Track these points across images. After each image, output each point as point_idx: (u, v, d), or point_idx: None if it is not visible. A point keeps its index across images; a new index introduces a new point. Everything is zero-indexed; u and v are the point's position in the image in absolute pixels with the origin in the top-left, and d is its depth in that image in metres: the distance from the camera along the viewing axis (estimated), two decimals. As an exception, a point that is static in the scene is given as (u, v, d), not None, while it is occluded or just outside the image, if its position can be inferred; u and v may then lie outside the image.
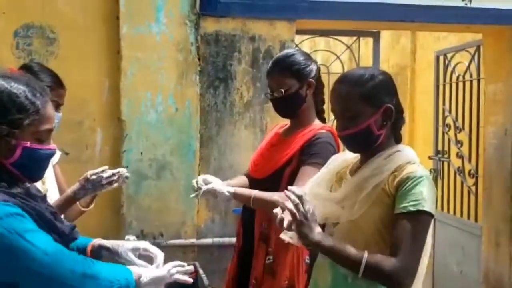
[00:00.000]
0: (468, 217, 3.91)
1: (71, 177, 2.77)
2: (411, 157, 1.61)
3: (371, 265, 1.48)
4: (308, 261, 2.14)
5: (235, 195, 2.14)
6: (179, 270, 1.45)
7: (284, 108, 2.23)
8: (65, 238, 1.33)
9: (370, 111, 1.57)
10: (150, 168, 2.89)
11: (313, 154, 2.10)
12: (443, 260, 4.13)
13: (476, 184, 3.85)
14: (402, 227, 1.49)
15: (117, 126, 2.88)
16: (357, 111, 1.58)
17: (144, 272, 1.36)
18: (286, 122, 2.34)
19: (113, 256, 1.47)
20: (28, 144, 1.24)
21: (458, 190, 4.04)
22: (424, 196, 1.49)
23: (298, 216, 1.51)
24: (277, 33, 3.06)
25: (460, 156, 3.99)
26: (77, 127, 2.82)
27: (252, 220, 2.22)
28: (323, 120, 2.31)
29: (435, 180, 4.26)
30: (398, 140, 1.69)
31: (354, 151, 1.71)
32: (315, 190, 1.73)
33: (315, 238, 1.52)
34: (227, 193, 2.13)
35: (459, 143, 4.01)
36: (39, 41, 2.81)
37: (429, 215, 1.50)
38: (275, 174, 2.17)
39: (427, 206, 1.49)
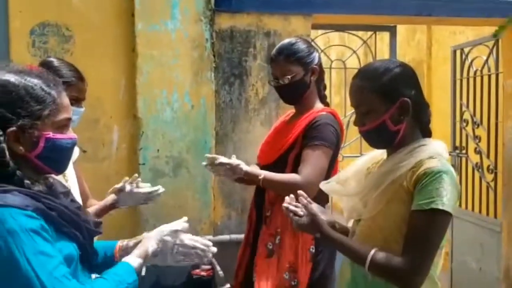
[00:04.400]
0: (487, 213, 3.86)
1: (89, 175, 2.78)
2: (434, 151, 1.53)
3: (377, 261, 1.47)
4: (313, 250, 2.17)
5: (246, 173, 2.18)
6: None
7: (289, 95, 2.28)
8: (89, 234, 1.32)
9: (385, 106, 1.53)
10: (167, 165, 2.89)
11: (313, 136, 2.13)
12: (462, 257, 4.08)
13: (495, 179, 3.79)
14: (414, 225, 1.45)
15: (134, 123, 2.89)
16: (372, 106, 1.54)
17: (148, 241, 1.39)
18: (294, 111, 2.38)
19: None
20: (51, 134, 1.24)
21: (476, 186, 3.98)
22: (440, 193, 1.42)
23: (310, 210, 1.58)
24: (292, 28, 3.04)
25: (478, 151, 3.93)
26: (93, 125, 2.83)
27: (264, 202, 2.27)
28: (326, 105, 2.34)
29: (453, 176, 4.21)
30: (427, 134, 1.61)
31: (375, 147, 1.67)
32: (336, 187, 1.71)
33: (325, 230, 1.57)
34: (241, 166, 2.16)
35: (477, 138, 3.96)
36: (55, 39, 2.82)
37: (445, 213, 1.43)
38: (279, 159, 2.21)
39: (442, 204, 1.42)
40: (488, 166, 3.84)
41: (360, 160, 1.75)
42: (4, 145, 1.19)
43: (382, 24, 3.76)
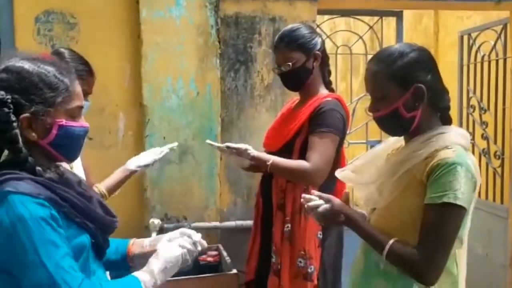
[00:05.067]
0: (494, 199, 3.85)
1: (96, 162, 2.80)
2: (451, 140, 1.48)
3: (395, 251, 1.46)
4: (321, 236, 2.20)
5: (253, 158, 2.18)
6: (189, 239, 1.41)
7: (292, 81, 2.28)
8: (104, 227, 1.33)
9: (399, 92, 1.49)
10: (173, 153, 2.88)
11: (320, 123, 2.12)
12: (468, 243, 4.07)
13: (502, 165, 3.77)
14: (427, 219, 1.43)
15: (140, 111, 2.89)
16: (385, 92, 1.50)
17: (153, 263, 1.33)
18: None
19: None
20: (63, 121, 1.25)
21: (483, 172, 3.97)
22: (454, 186, 1.39)
23: (325, 197, 1.58)
24: (297, 13, 3.02)
25: (485, 137, 3.91)
26: (99, 112, 2.83)
27: (271, 190, 2.27)
28: (331, 91, 2.33)
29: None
30: (446, 121, 1.57)
31: (390, 134, 1.64)
32: (351, 175, 1.69)
33: (347, 212, 1.56)
34: (249, 151, 2.16)
35: (484, 124, 3.93)
36: (59, 27, 2.81)
37: (458, 207, 1.40)
38: (286, 146, 2.21)
39: (455, 198, 1.38)
40: (495, 152, 3.82)
41: (377, 148, 1.72)
42: (17, 131, 1.20)
43: (388, 9, 3.72)
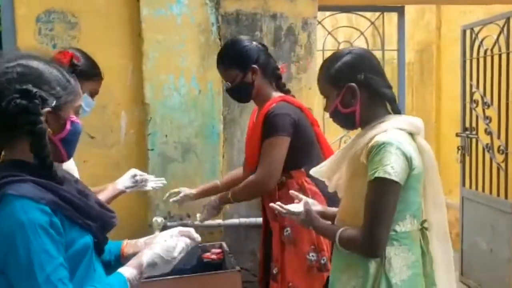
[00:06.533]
0: (498, 194, 3.83)
1: (98, 161, 2.81)
2: (390, 125, 1.60)
3: (342, 237, 1.61)
4: None
5: (220, 201, 2.40)
6: (182, 231, 1.42)
7: (237, 97, 2.39)
8: (103, 224, 1.33)
9: (335, 93, 1.66)
10: (176, 151, 2.90)
11: (267, 130, 2.20)
12: (472, 239, 4.07)
13: (505, 160, 3.75)
14: (366, 197, 1.55)
15: (142, 109, 2.89)
16: (326, 93, 1.70)
17: (145, 255, 1.33)
18: None
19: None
20: (74, 118, 1.28)
21: (487, 167, 3.96)
22: (384, 162, 1.50)
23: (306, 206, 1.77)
24: (298, 10, 3.01)
25: (488, 132, 3.90)
26: (101, 111, 2.82)
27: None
28: (286, 92, 2.38)
29: (463, 157, 4.18)
30: (395, 111, 1.69)
31: (344, 129, 1.83)
32: (322, 170, 1.85)
33: (315, 224, 1.75)
34: (212, 199, 2.43)
35: (487, 119, 3.92)
36: (61, 26, 2.81)
37: (389, 181, 1.50)
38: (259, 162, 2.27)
39: (384, 172, 1.49)
40: (499, 147, 3.81)
41: (348, 142, 1.83)
42: (45, 124, 1.20)
43: (390, 4, 3.71)
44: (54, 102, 1.22)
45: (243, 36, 2.51)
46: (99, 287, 1.23)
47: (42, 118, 1.19)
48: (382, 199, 1.52)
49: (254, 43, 2.32)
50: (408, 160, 1.54)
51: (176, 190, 2.56)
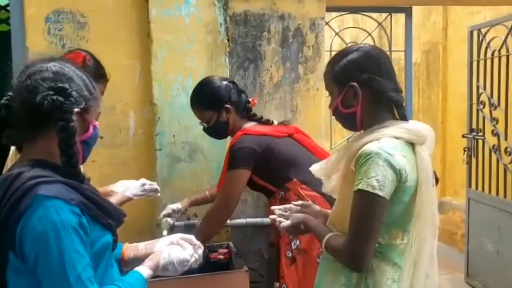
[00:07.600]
0: (505, 196, 3.83)
1: (106, 161, 2.82)
2: (386, 133, 1.52)
3: (328, 244, 1.57)
4: None
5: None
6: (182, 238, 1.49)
7: (215, 135, 2.54)
8: (117, 221, 1.35)
9: (338, 91, 1.60)
10: (183, 151, 2.90)
11: (229, 163, 2.33)
12: (479, 240, 4.07)
13: (513, 161, 3.76)
14: (351, 208, 1.49)
15: (150, 109, 2.90)
16: (330, 91, 1.67)
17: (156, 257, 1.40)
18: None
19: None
20: (96, 123, 1.32)
21: (493, 168, 3.95)
22: (368, 173, 1.43)
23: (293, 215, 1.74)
24: (306, 11, 3.01)
25: (495, 133, 3.89)
26: (110, 111, 2.84)
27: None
28: (254, 118, 2.49)
29: (469, 158, 4.17)
30: (401, 116, 1.60)
31: (346, 129, 1.75)
32: (321, 169, 1.79)
33: (304, 219, 1.71)
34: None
35: (494, 120, 3.91)
36: (70, 26, 2.82)
37: (371, 194, 1.42)
38: None
39: (367, 185, 1.42)
40: (506, 148, 3.80)
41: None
42: (76, 123, 1.22)
43: (397, 5, 3.70)
44: (83, 103, 1.24)
45: (214, 76, 2.59)
46: (122, 286, 1.25)
47: (74, 117, 1.22)
48: (366, 214, 1.45)
49: (224, 82, 2.44)
50: (397, 173, 1.45)
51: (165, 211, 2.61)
